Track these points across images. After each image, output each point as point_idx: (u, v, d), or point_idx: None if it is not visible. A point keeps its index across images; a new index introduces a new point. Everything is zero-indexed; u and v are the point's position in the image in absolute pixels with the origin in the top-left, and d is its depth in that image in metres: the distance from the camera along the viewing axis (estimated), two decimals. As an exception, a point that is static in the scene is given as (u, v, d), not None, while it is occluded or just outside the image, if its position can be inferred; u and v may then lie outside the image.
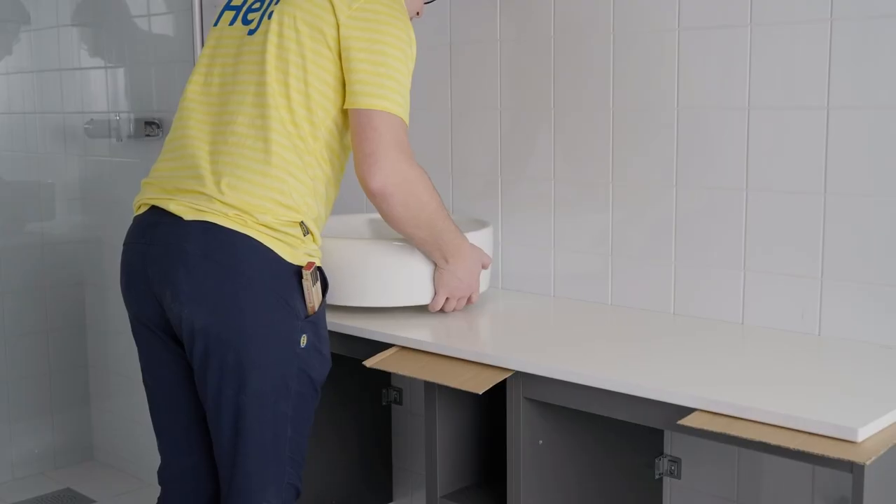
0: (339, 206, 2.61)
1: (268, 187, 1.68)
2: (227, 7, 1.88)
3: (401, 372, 1.78)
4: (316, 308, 1.73)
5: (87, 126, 3.25)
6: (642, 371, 1.61)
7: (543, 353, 1.73)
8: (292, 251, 1.70)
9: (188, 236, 1.67)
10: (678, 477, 2.01)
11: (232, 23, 1.84)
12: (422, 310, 2.02)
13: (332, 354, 1.95)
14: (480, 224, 2.14)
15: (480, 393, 1.66)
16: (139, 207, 1.79)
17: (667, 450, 2.03)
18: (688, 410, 1.47)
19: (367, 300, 1.96)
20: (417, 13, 1.99)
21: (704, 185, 1.94)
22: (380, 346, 1.88)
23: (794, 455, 1.35)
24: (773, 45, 1.82)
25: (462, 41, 2.30)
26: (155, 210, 1.74)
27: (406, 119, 1.76)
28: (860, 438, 1.31)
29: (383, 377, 2.46)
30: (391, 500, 2.55)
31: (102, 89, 3.26)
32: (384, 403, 2.49)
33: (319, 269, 1.76)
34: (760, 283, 1.88)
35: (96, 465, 3.48)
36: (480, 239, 2.04)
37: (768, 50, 1.82)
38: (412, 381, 2.44)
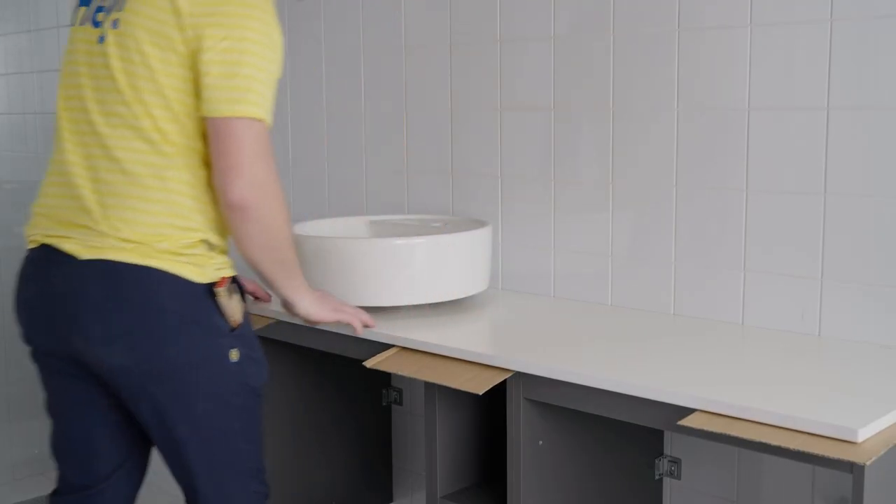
0: (338, 208, 2.62)
1: (159, 213, 1.60)
2: (81, 2, 1.74)
3: (401, 372, 1.78)
4: (239, 320, 1.67)
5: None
6: (642, 372, 1.61)
7: (543, 353, 1.73)
8: (201, 271, 1.63)
9: (87, 277, 1.60)
10: (678, 477, 2.01)
11: (83, 22, 1.70)
12: (422, 310, 2.02)
13: (333, 355, 1.95)
14: (479, 223, 2.14)
15: (480, 393, 1.66)
16: (31, 241, 1.71)
17: (667, 450, 2.03)
18: (688, 411, 1.47)
19: (367, 300, 1.96)
20: None
21: (704, 186, 1.93)
22: (380, 347, 1.88)
23: (795, 455, 1.35)
24: (773, 46, 1.82)
25: (462, 41, 2.30)
26: (48, 247, 1.66)
27: (268, 119, 1.63)
28: (860, 439, 1.31)
29: (383, 377, 2.46)
30: (391, 501, 2.54)
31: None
32: (384, 404, 2.49)
33: (234, 278, 1.69)
34: (760, 283, 1.88)
35: (96, 465, 3.47)
36: (479, 238, 2.04)
37: (768, 50, 1.82)
38: (412, 381, 2.44)
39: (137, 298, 1.59)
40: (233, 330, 1.66)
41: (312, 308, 1.82)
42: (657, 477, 2.01)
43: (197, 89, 1.60)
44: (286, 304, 1.83)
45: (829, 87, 1.75)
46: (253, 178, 1.60)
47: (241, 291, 1.71)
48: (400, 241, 1.96)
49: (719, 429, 1.40)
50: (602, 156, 2.08)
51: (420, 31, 2.37)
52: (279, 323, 2.04)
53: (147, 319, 1.60)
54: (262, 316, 2.08)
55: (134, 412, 1.67)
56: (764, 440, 1.36)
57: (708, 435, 1.43)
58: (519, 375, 1.68)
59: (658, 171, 1.99)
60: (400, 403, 2.50)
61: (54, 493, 1.81)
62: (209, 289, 1.64)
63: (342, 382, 2.34)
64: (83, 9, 1.72)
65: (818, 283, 1.81)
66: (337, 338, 1.95)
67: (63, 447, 1.77)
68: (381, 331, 1.88)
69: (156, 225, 1.60)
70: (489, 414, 1.95)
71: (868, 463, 1.28)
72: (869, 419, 1.34)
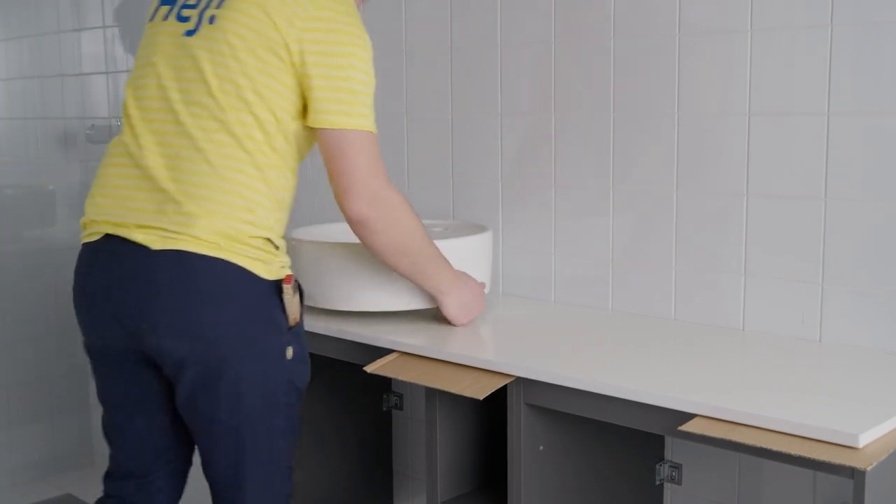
0: (339, 213, 2.61)
1: (235, 207, 1.62)
2: (163, 2, 1.77)
3: (401, 377, 1.78)
4: (298, 318, 1.70)
5: (88, 132, 3.25)
6: (643, 377, 1.61)
7: (544, 358, 1.73)
8: (267, 267, 1.65)
9: (161, 267, 1.61)
10: (679, 483, 2.01)
11: (166, 18, 1.73)
12: (423, 315, 2.02)
13: (334, 360, 1.95)
14: (480, 228, 2.14)
15: (481, 398, 1.66)
16: (91, 233, 1.70)
17: (667, 455, 2.02)
18: (688, 416, 1.47)
19: (368, 304, 1.96)
20: None
21: (705, 191, 1.94)
22: (381, 352, 1.88)
23: (795, 461, 1.35)
24: (773, 51, 1.82)
25: (462, 45, 2.30)
26: (114, 238, 1.65)
27: (375, 129, 1.71)
28: (861, 444, 1.31)
29: (384, 382, 2.46)
30: (392, 506, 2.55)
31: (104, 94, 3.27)
32: (385, 409, 2.49)
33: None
34: (761, 288, 1.88)
35: (97, 470, 3.46)
36: (480, 243, 2.04)
37: (769, 55, 1.83)
38: (413, 386, 2.44)
39: (210, 290, 1.61)
40: (290, 328, 1.69)
41: (454, 315, 1.92)
42: (658, 482, 2.01)
43: (295, 95, 1.66)
44: None
45: (829, 92, 1.76)
46: (370, 195, 1.69)
47: (301, 293, 1.74)
48: (400, 246, 1.95)
49: (720, 434, 1.40)
50: (602, 161, 2.08)
51: (421, 36, 2.38)
52: (280, 328, 2.04)
53: (215, 312, 1.62)
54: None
55: (187, 404, 1.67)
56: (764, 445, 1.35)
57: (708, 440, 1.43)
58: (519, 380, 1.68)
59: (658, 176, 1.99)
60: (400, 408, 2.50)
61: (107, 476, 1.84)
62: (275, 286, 1.66)
63: (342, 387, 2.34)
64: (165, 7, 1.75)
65: (819, 288, 1.81)
66: (337, 343, 1.95)
67: (116, 435, 1.80)
68: (381, 336, 1.88)
69: (230, 218, 1.62)
70: (490, 419, 1.95)
71: (869, 468, 1.27)
72: (870, 424, 1.34)
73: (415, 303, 1.96)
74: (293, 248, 2.02)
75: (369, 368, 1.84)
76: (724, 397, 1.47)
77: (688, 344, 1.85)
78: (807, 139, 1.79)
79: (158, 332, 1.62)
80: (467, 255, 2.02)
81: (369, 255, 1.97)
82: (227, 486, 1.71)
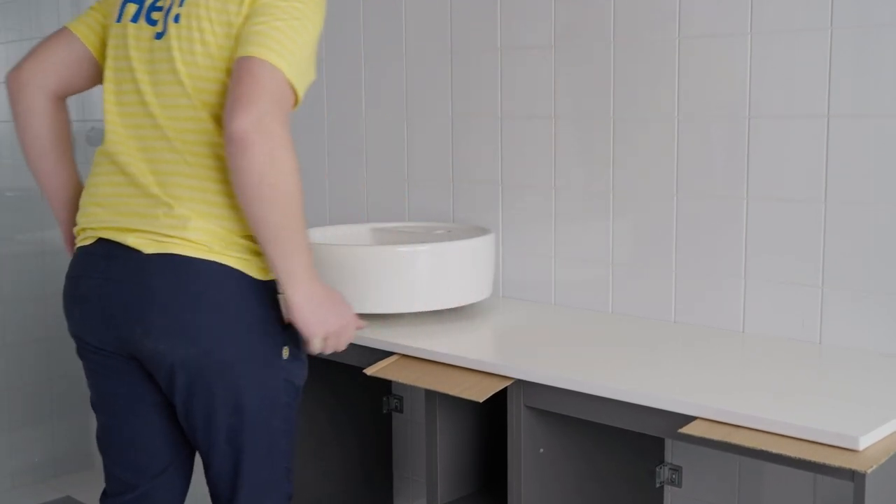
0: (339, 216, 2.62)
1: (222, 206, 1.60)
2: (129, 0, 1.72)
3: (401, 380, 1.78)
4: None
5: (89, 134, 3.25)
6: (643, 379, 1.61)
7: (544, 361, 1.73)
8: (258, 267, 1.64)
9: (153, 271, 1.59)
10: (679, 485, 2.01)
11: (135, 19, 1.68)
12: (423, 317, 2.02)
13: (333, 363, 1.94)
14: (482, 231, 2.14)
15: (481, 401, 1.66)
16: (86, 238, 1.69)
17: (668, 458, 2.02)
18: (688, 419, 1.47)
19: (369, 307, 1.96)
20: None
21: (705, 194, 1.94)
22: (381, 354, 1.88)
23: (795, 463, 1.35)
24: (773, 54, 1.82)
25: (463, 49, 2.30)
26: (106, 242, 1.65)
27: (297, 86, 1.55)
28: (861, 447, 1.31)
29: (384, 385, 2.46)
30: (392, 509, 2.54)
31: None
32: (385, 411, 2.49)
33: None
34: (761, 291, 1.88)
35: (97, 472, 3.46)
36: (483, 245, 2.04)
37: (769, 58, 1.83)
38: (413, 389, 2.44)
39: (203, 293, 1.60)
40: (285, 327, 1.67)
41: (305, 306, 1.59)
42: (658, 485, 2.01)
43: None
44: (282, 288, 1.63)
45: (829, 94, 1.76)
46: (257, 113, 1.48)
47: None
48: (403, 249, 1.96)
49: (720, 437, 1.40)
50: (602, 164, 2.08)
51: (421, 40, 2.38)
52: (280, 330, 2.04)
53: (210, 314, 1.60)
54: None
55: (183, 409, 1.66)
56: (764, 448, 1.36)
57: (708, 443, 1.43)
58: (519, 383, 1.68)
59: (658, 179, 1.99)
60: (401, 411, 2.50)
61: (104, 496, 1.82)
62: (268, 285, 1.65)
63: (342, 390, 2.34)
64: (132, 6, 1.70)
65: (819, 290, 1.81)
66: (338, 345, 1.95)
67: (111, 444, 1.78)
68: (382, 338, 1.88)
69: (218, 217, 1.60)
70: (490, 421, 1.95)
71: (869, 471, 1.28)
72: (870, 427, 1.34)
73: (416, 305, 1.96)
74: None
75: (369, 371, 1.84)
76: (725, 400, 1.47)
77: (688, 346, 1.85)
78: (807, 142, 1.79)
79: (152, 336, 1.61)
80: (470, 257, 2.02)
81: (370, 258, 1.97)
82: (227, 488, 1.70)
